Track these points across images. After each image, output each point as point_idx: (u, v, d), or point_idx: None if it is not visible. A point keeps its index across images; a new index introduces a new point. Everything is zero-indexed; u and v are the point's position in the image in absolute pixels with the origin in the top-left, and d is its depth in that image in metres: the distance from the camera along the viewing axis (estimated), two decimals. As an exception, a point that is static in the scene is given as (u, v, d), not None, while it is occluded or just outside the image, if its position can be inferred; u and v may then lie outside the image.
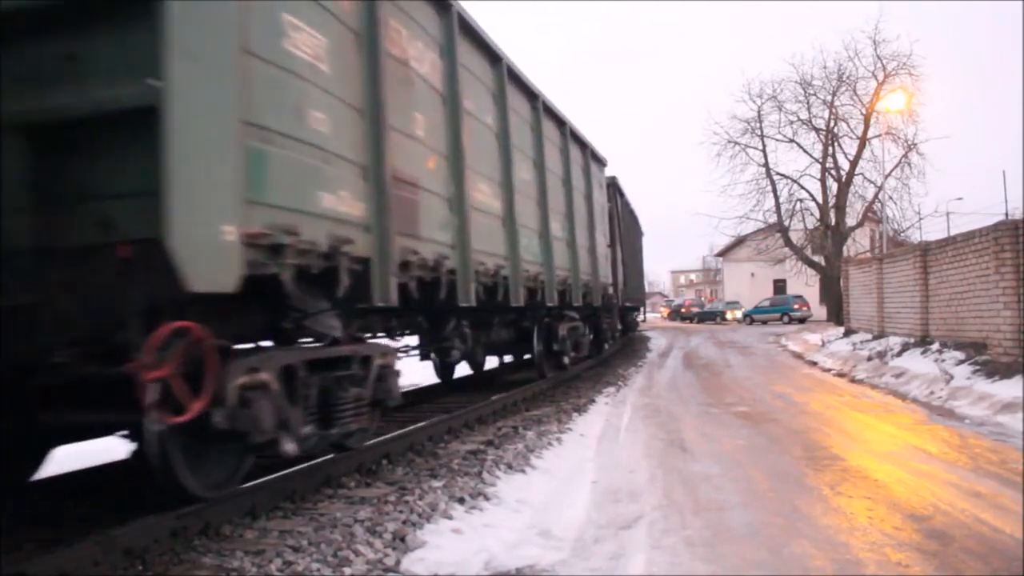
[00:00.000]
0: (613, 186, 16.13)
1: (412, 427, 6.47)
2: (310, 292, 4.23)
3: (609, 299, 13.63)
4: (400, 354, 6.35)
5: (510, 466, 5.46)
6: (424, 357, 8.52)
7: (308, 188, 3.93)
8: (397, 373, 5.47)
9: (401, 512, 4.17)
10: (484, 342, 8.60)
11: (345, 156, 4.32)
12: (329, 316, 4.63)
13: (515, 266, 7.46)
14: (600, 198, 12.86)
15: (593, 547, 3.82)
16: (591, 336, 13.47)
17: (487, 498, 4.62)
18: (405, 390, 9.21)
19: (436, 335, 7.32)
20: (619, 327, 19.44)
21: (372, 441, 5.59)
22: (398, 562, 3.50)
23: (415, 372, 9.69)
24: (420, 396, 9.41)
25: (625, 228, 18.14)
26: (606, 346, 15.38)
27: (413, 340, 7.48)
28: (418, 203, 5.29)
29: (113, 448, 4.70)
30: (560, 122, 10.16)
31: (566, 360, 10.94)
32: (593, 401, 9.40)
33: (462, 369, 11.31)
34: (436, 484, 4.85)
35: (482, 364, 11.73)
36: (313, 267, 3.94)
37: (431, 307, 6.18)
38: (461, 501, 4.48)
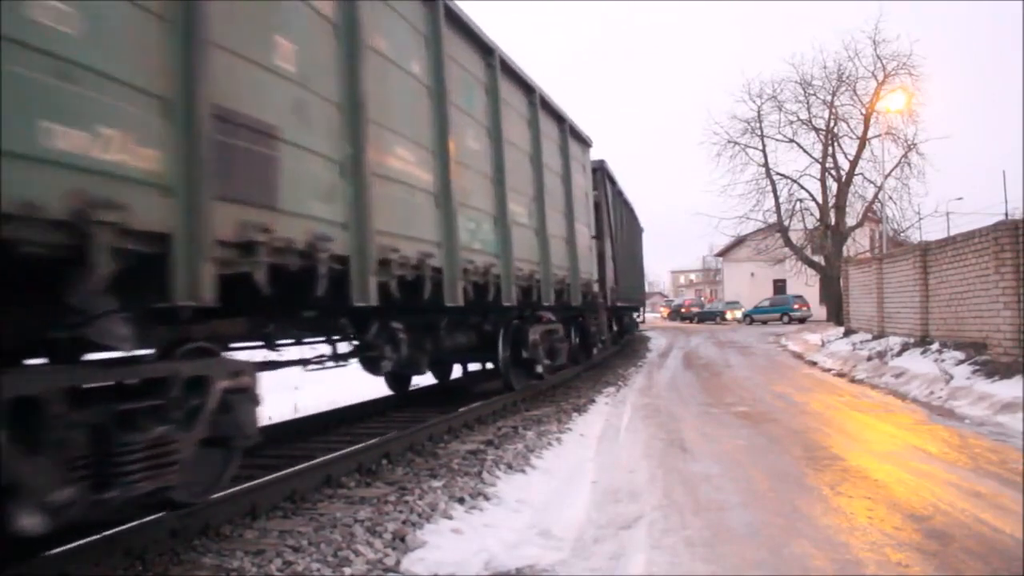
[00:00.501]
0: (601, 171, 14.26)
1: (411, 429, 6.43)
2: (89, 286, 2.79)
3: (594, 298, 11.90)
4: (314, 366, 5.61)
5: (510, 466, 5.46)
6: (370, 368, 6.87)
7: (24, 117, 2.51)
8: (254, 399, 4.06)
9: (401, 512, 4.17)
10: (431, 349, 7.12)
11: (111, 73, 2.87)
12: (113, 320, 3.10)
13: (451, 256, 5.91)
14: (582, 182, 11.16)
15: (593, 547, 3.82)
16: (578, 340, 12.27)
17: (487, 498, 4.62)
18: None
19: (360, 341, 5.91)
20: (612, 329, 17.85)
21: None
22: (398, 562, 3.50)
23: (364, 384, 8.67)
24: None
25: (617, 220, 16.27)
26: (595, 351, 13.67)
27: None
28: (276, 160, 3.79)
29: None
30: (527, 88, 8.46)
31: (539, 369, 9.31)
32: (593, 401, 9.40)
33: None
34: (436, 484, 4.86)
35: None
36: (42, 243, 2.60)
37: (314, 306, 4.84)
38: (461, 501, 4.48)
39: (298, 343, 5.67)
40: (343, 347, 5.96)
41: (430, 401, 9.02)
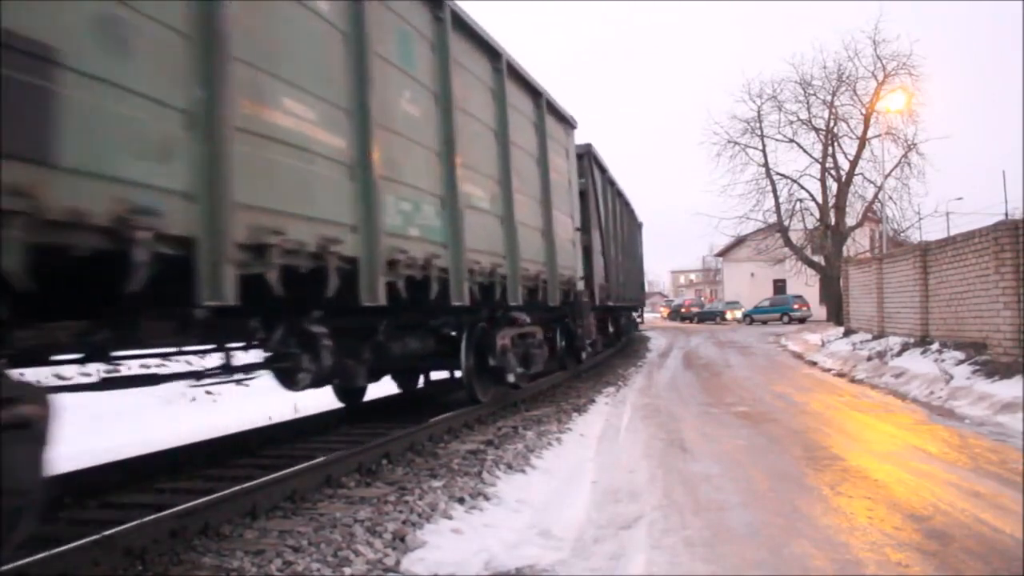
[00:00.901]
0: (588, 156, 12.81)
1: (413, 429, 6.43)
2: None
3: (578, 298, 10.49)
4: (207, 380, 4.70)
5: (510, 466, 5.46)
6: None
7: None
8: (39, 439, 2.87)
9: (401, 512, 4.17)
10: (370, 357, 6.00)
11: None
12: None
13: (371, 242, 4.70)
14: (564, 167, 9.87)
15: (593, 547, 3.82)
16: (564, 344, 11.00)
17: (487, 498, 4.62)
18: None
19: (265, 349, 4.87)
20: (609, 331, 16.79)
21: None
22: (398, 562, 3.50)
23: (313, 395, 6.75)
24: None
25: (609, 212, 14.85)
26: (584, 355, 12.12)
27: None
28: (55, 97, 2.66)
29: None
30: (492, 52, 7.26)
31: (511, 378, 8.04)
32: (593, 401, 9.40)
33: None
34: (436, 484, 4.86)
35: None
36: None
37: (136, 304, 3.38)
38: (461, 501, 4.48)
39: (182, 352, 4.75)
40: (254, 355, 4.97)
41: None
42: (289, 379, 5.01)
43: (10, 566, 3.01)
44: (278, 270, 3.77)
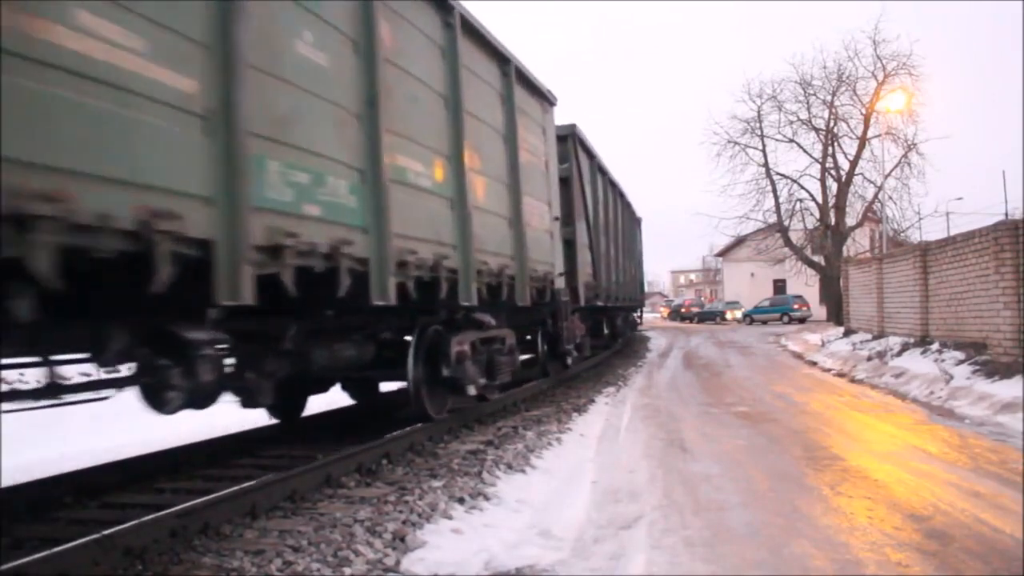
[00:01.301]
0: (573, 139, 11.42)
1: (410, 428, 6.44)
2: None
3: (556, 296, 9.13)
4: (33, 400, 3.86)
5: (510, 466, 5.46)
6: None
7: None
8: None
9: (401, 512, 4.17)
10: (276, 369, 4.84)
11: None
12: None
13: (234, 221, 3.57)
14: (540, 148, 8.68)
15: (593, 547, 3.82)
16: (546, 348, 9.95)
17: (487, 498, 4.62)
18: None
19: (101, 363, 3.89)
20: (604, 332, 15.81)
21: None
22: (398, 562, 3.50)
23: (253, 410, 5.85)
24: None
25: (599, 203, 13.46)
26: (569, 361, 10.69)
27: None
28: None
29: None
30: (441, 2, 6.13)
31: (471, 390, 6.79)
32: (593, 401, 9.40)
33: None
34: (436, 484, 4.85)
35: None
36: None
37: None
38: (461, 501, 4.48)
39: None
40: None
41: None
42: (156, 398, 3.96)
43: (9, 565, 3.01)
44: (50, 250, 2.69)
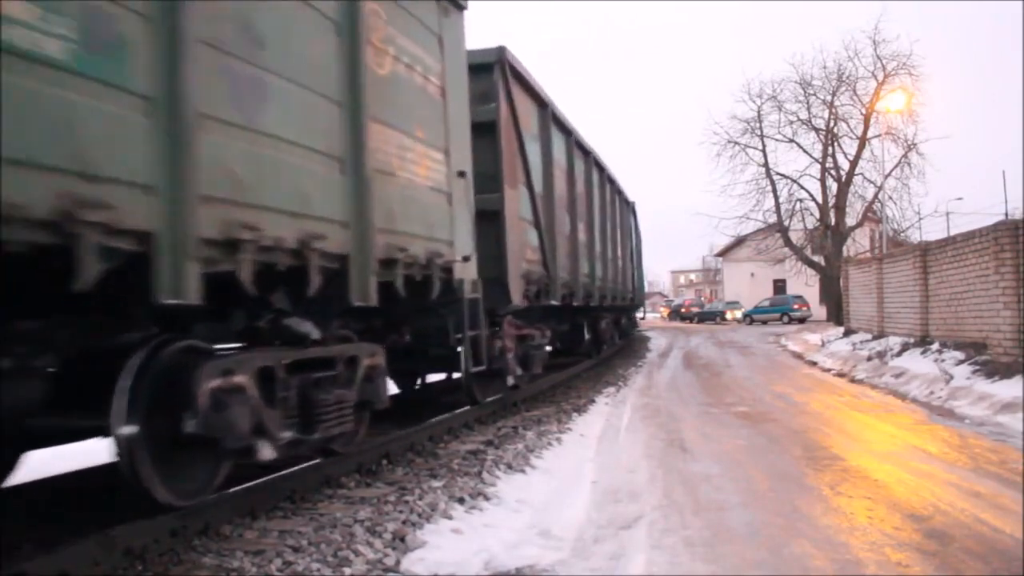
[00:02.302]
0: (501, 68, 7.93)
1: (412, 429, 6.42)
2: None
3: (455, 291, 6.13)
4: None
5: (510, 466, 5.46)
6: None
7: None
8: None
9: (401, 512, 4.17)
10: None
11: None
12: None
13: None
14: (431, 64, 5.78)
15: (593, 547, 3.82)
16: (474, 365, 6.78)
17: (487, 498, 4.62)
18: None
19: None
20: (586, 337, 13.53)
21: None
22: (398, 562, 3.50)
23: None
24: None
25: (551, 164, 9.87)
26: (511, 380, 8.40)
27: None
28: None
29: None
30: None
31: (265, 454, 4.11)
32: (593, 401, 9.40)
33: None
34: (436, 484, 4.85)
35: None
36: None
37: None
38: (461, 501, 4.47)
39: None
40: None
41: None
42: None
43: (9, 567, 3.01)
44: None
